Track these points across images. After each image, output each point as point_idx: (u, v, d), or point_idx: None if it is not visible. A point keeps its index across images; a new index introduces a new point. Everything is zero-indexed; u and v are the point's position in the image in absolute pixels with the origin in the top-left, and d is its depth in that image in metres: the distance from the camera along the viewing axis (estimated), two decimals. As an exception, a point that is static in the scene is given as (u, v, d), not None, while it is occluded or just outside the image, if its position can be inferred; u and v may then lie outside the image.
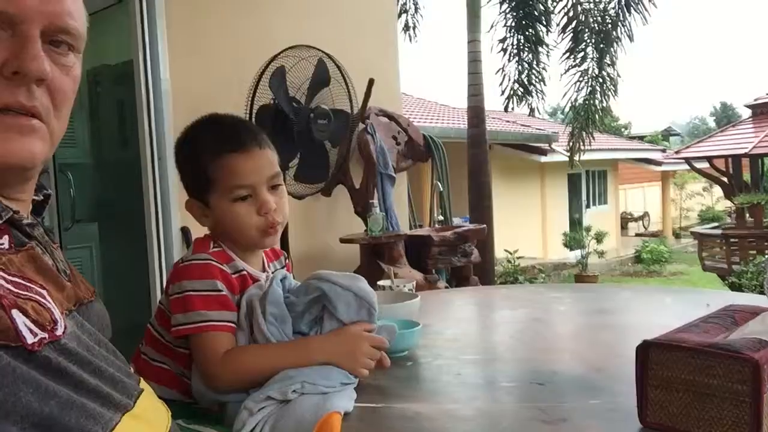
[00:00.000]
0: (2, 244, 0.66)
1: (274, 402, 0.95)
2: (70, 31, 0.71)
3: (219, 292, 1.04)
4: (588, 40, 7.57)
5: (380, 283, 1.61)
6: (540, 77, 7.76)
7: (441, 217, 5.24)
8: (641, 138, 22.48)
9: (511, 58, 7.66)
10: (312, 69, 2.97)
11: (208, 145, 1.10)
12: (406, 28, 8.20)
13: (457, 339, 1.39)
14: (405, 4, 8.13)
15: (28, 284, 0.64)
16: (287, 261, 1.27)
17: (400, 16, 8.07)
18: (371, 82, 3.48)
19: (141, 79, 3.15)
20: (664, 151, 17.13)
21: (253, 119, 2.84)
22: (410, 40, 8.35)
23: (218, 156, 1.08)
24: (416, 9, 8.31)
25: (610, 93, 7.87)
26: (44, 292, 0.65)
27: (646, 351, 0.85)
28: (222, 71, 3.31)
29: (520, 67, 7.70)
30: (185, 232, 3.13)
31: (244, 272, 1.11)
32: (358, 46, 4.08)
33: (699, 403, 0.80)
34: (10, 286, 0.61)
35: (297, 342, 1.02)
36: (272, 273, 1.16)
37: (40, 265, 0.69)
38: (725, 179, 11.27)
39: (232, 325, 1.04)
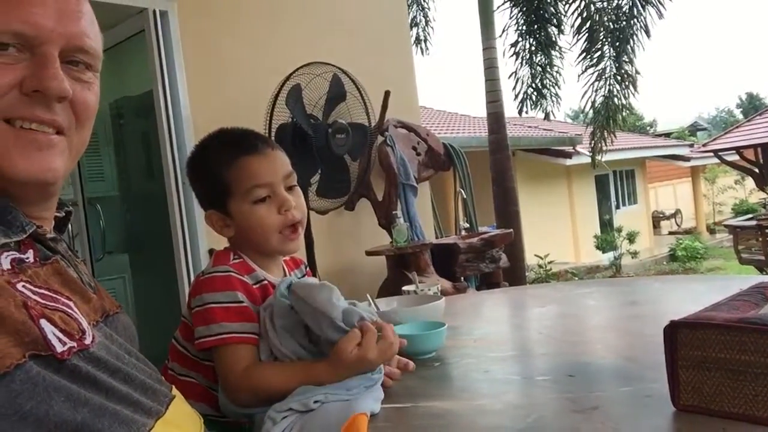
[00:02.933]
0: (27, 258, 0.67)
1: (297, 412, 0.94)
2: (87, 51, 0.72)
3: (240, 304, 1.04)
4: (603, 39, 7.51)
5: (405, 288, 1.60)
6: (554, 80, 7.72)
7: (467, 225, 5.21)
8: (667, 135, 22.15)
9: (524, 62, 7.64)
10: (327, 85, 2.99)
11: (222, 153, 1.11)
12: (418, 41, 8.21)
13: (484, 338, 1.37)
14: (415, 17, 8.15)
15: (55, 296, 0.65)
16: (307, 270, 1.27)
17: (410, 29, 8.10)
18: (387, 94, 3.50)
19: (161, 108, 3.21)
20: (691, 146, 16.84)
21: (273, 139, 2.87)
22: (422, 53, 8.36)
23: (233, 160, 1.09)
24: (426, 22, 8.34)
25: (629, 91, 7.78)
26: (71, 303, 0.66)
27: (675, 331, 0.83)
28: (240, 94, 3.36)
29: (532, 71, 7.67)
30: (212, 253, 3.16)
31: (266, 282, 1.11)
32: (372, 59, 4.11)
33: (732, 381, 0.77)
34: (37, 298, 0.62)
35: (313, 365, 1.00)
36: None
37: (65, 277, 0.70)
38: (756, 170, 11.01)
39: (254, 336, 1.04)
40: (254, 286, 1.09)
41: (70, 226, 0.85)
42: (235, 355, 1.01)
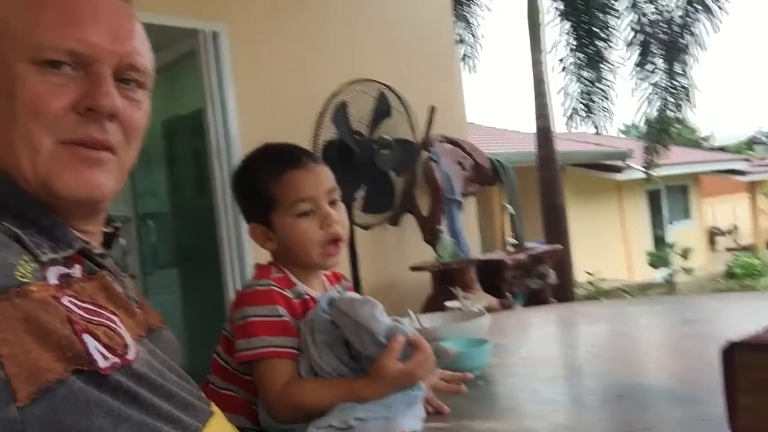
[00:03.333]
0: (74, 272, 0.67)
1: (337, 429, 0.93)
2: (139, 69, 0.74)
3: (280, 317, 1.04)
4: (656, 52, 7.36)
5: (448, 304, 1.59)
6: (604, 94, 7.60)
7: (513, 240, 5.14)
8: (723, 149, 21.45)
9: (573, 76, 7.54)
10: (373, 101, 3.01)
11: (268, 166, 1.12)
12: (465, 58, 8.19)
13: (531, 356, 1.34)
14: (462, 34, 8.13)
15: (100, 310, 0.65)
16: (348, 285, 1.27)
17: (457, 46, 8.09)
18: (432, 109, 3.50)
19: (212, 126, 3.28)
20: (749, 160, 16.25)
21: (319, 155, 2.90)
22: (470, 70, 8.31)
23: (279, 173, 1.10)
24: (474, 38, 8.31)
25: (684, 104, 7.59)
26: (115, 318, 0.67)
27: (733, 352, 0.79)
28: (288, 112, 3.40)
29: (582, 85, 7.57)
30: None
31: (307, 297, 1.11)
32: (418, 76, 4.12)
33: (796, 405, 0.73)
34: (81, 312, 0.62)
35: (353, 381, 0.99)
36: None
37: (111, 292, 0.71)
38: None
39: (294, 351, 1.03)
40: (295, 301, 1.08)
41: (122, 241, 0.86)
42: (275, 369, 1.01)
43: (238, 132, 3.32)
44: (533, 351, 1.40)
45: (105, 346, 0.61)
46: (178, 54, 3.41)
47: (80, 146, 0.69)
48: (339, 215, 1.12)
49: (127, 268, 0.84)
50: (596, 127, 7.82)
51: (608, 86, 7.67)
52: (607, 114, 7.79)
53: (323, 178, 1.12)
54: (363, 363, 1.01)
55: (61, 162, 0.68)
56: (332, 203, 1.12)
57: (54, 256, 0.65)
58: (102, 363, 0.60)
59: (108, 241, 0.84)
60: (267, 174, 1.11)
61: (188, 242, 4.06)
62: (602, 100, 7.66)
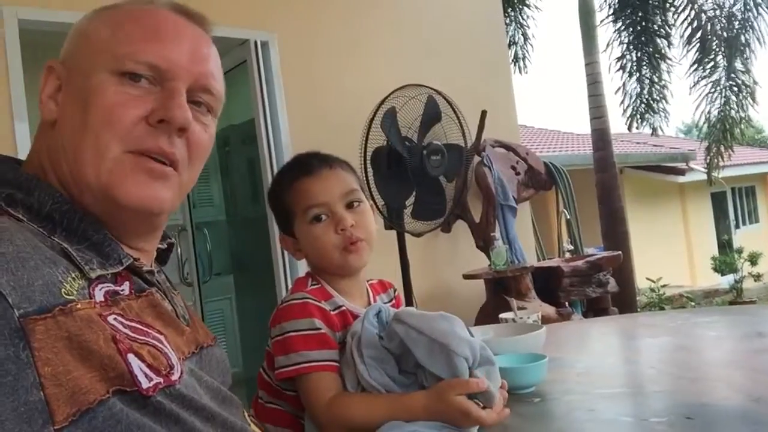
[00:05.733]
0: (123, 290, 0.67)
1: None
2: (212, 92, 0.76)
3: (318, 330, 1.02)
4: (716, 49, 7.08)
5: (502, 315, 1.53)
6: (662, 94, 7.36)
7: (571, 246, 5.00)
8: (792, 147, 20.46)
9: (631, 75, 7.33)
10: (422, 107, 2.97)
11: (284, 178, 1.15)
12: (516, 59, 8.07)
13: (590, 372, 1.27)
14: (513, 35, 8.02)
15: (146, 329, 0.65)
16: (396, 294, 1.24)
17: (509, 48, 7.98)
18: (484, 114, 3.44)
19: (263, 135, 3.32)
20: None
21: (368, 162, 2.88)
22: (520, 71, 8.18)
23: (291, 183, 1.12)
24: (525, 39, 8.18)
25: (747, 102, 7.27)
26: (161, 337, 0.66)
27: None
28: (338, 119, 3.41)
29: (641, 84, 7.34)
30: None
31: (344, 308, 1.09)
32: (469, 80, 4.07)
33: None
34: (127, 331, 0.62)
35: (404, 397, 0.96)
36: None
37: (159, 310, 0.71)
38: None
39: (334, 363, 1.02)
40: (332, 313, 1.07)
41: (178, 251, 0.87)
42: (318, 384, 1.00)
43: (289, 141, 3.34)
44: (592, 366, 1.33)
45: (149, 366, 0.61)
46: (230, 64, 3.47)
47: (146, 157, 0.69)
48: (358, 218, 1.09)
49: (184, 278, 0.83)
50: (654, 129, 7.58)
51: (664, 86, 7.44)
52: (665, 114, 7.55)
53: (335, 182, 1.10)
54: (421, 378, 0.97)
55: (124, 170, 0.68)
56: (350, 205, 1.10)
57: (102, 272, 0.65)
58: (145, 384, 0.59)
59: (163, 257, 0.84)
60: (282, 185, 1.13)
61: (243, 250, 4.12)
62: (660, 100, 7.42)
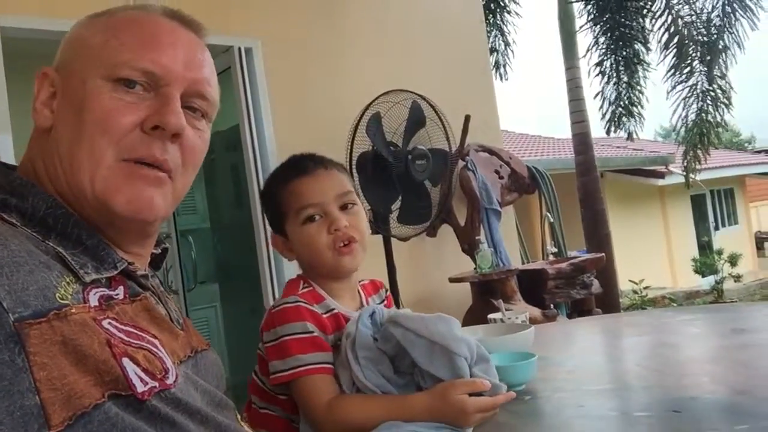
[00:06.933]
0: (117, 294, 0.67)
1: None
2: (206, 97, 0.76)
3: (311, 334, 1.03)
4: (693, 54, 7.19)
5: (491, 316, 1.54)
6: (638, 99, 7.46)
7: (554, 249, 5.04)
8: (767, 152, 20.79)
9: (609, 80, 7.42)
10: (407, 112, 2.99)
11: (278, 177, 1.15)
12: (497, 66, 8.11)
13: (578, 370, 1.29)
14: (494, 42, 8.07)
15: (141, 333, 0.65)
16: (387, 294, 1.24)
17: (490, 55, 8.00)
18: (467, 118, 3.47)
19: (248, 141, 3.31)
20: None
21: (353, 167, 2.89)
22: (501, 78, 8.23)
23: (285, 183, 1.12)
24: (506, 46, 8.23)
25: (723, 106, 7.39)
26: (156, 341, 0.66)
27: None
28: (323, 125, 3.41)
29: (618, 89, 7.44)
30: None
31: (336, 311, 1.09)
32: (452, 85, 4.10)
33: None
34: (122, 335, 0.62)
35: (405, 398, 0.97)
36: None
37: (153, 314, 0.71)
38: None
39: (329, 366, 1.02)
40: (324, 316, 1.07)
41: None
42: (314, 387, 1.00)
43: (274, 147, 3.34)
44: (580, 364, 1.35)
45: (144, 370, 0.61)
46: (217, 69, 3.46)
47: (140, 164, 0.70)
48: (352, 219, 1.10)
49: (169, 289, 0.84)
50: (629, 133, 7.68)
51: (641, 90, 7.54)
52: (640, 118, 7.65)
53: (329, 182, 1.11)
54: (417, 378, 0.98)
55: (119, 178, 0.68)
56: (344, 207, 1.10)
57: (97, 277, 0.65)
58: (140, 388, 0.59)
59: (157, 261, 0.85)
60: (276, 185, 1.13)
61: (228, 258, 4.10)
62: (637, 104, 7.52)
